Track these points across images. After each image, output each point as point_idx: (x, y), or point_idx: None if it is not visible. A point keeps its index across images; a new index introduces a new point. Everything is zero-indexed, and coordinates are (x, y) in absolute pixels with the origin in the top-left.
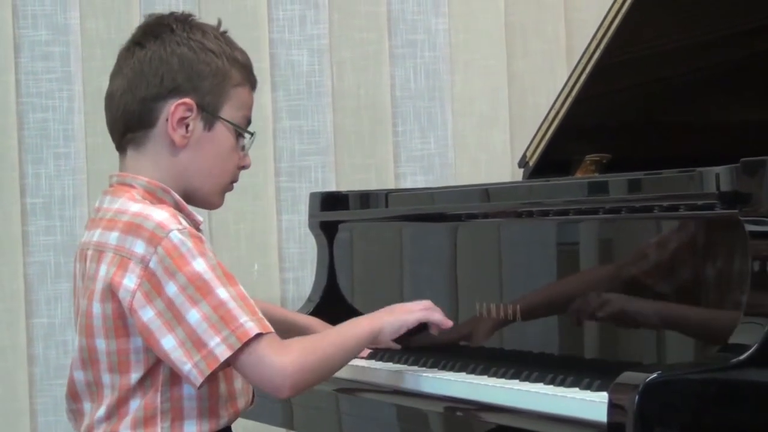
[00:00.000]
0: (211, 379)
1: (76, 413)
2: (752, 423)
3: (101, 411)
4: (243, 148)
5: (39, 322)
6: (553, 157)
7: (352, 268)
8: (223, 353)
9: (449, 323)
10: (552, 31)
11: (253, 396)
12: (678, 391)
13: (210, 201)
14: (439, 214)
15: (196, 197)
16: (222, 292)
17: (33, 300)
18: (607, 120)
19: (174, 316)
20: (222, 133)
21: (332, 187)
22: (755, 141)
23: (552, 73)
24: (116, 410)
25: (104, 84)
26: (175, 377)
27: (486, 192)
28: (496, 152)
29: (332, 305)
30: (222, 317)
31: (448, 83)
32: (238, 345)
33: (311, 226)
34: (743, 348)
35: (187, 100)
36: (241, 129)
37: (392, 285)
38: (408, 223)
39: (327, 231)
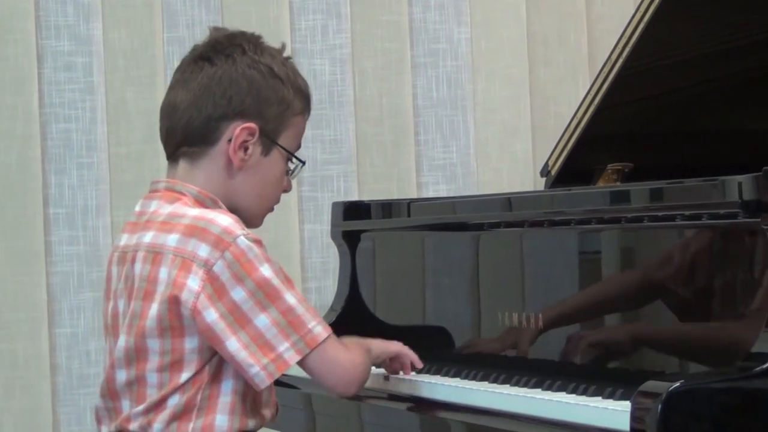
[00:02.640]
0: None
1: (111, 411)
2: None
3: (141, 406)
4: (289, 173)
5: (62, 332)
6: (575, 166)
7: (374, 278)
8: (293, 357)
9: (420, 364)
10: (574, 40)
11: (277, 409)
12: (701, 400)
13: (252, 222)
14: (461, 223)
15: (240, 216)
16: (290, 297)
17: (56, 310)
18: (629, 129)
19: (236, 320)
20: (277, 159)
21: (354, 197)
22: None
23: (574, 82)
24: (155, 406)
25: (127, 94)
26: (215, 376)
27: (508, 201)
28: (518, 161)
29: (355, 315)
30: (290, 322)
31: (470, 92)
32: (307, 350)
33: (333, 236)
34: (766, 357)
35: (251, 124)
36: (296, 158)
37: (414, 294)
38: (430, 233)
39: (349, 240)
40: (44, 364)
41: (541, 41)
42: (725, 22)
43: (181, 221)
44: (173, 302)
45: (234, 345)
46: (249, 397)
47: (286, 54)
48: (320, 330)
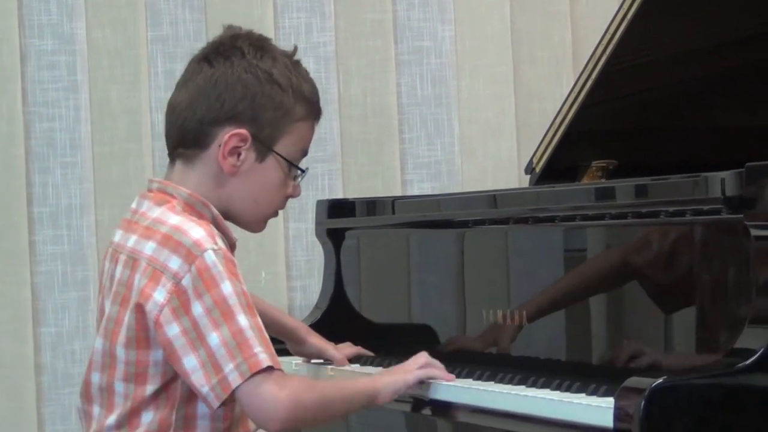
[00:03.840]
0: (229, 401)
1: (86, 414)
2: (758, 427)
3: (112, 419)
4: (295, 178)
5: (47, 331)
6: (560, 164)
7: (359, 276)
8: (235, 380)
9: (450, 377)
10: (558, 38)
11: None
12: (684, 396)
13: (251, 227)
14: (446, 220)
15: (236, 221)
16: (242, 319)
17: (40, 309)
18: (613, 126)
19: (197, 336)
20: (272, 166)
21: (339, 195)
22: (761, 146)
23: (558, 79)
24: (127, 420)
25: (110, 93)
26: (191, 395)
27: (493, 198)
28: (502, 159)
29: (339, 313)
30: (239, 344)
31: (455, 90)
32: (249, 374)
33: (318, 234)
34: (749, 353)
35: (242, 131)
36: (293, 165)
37: (399, 292)
38: (415, 230)
39: (334, 238)
40: (29, 363)
41: (526, 39)
42: (708, 19)
43: (160, 229)
44: (140, 312)
45: (191, 363)
46: (234, 414)
47: (296, 58)
48: (265, 357)
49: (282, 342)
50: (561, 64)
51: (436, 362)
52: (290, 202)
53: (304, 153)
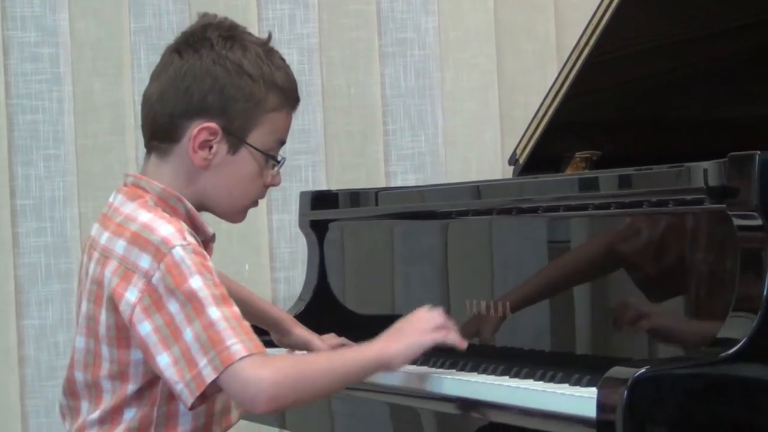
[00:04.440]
0: (206, 397)
1: (72, 410)
2: (741, 417)
3: (95, 414)
4: (273, 168)
5: (30, 323)
6: (543, 155)
7: (342, 267)
8: (209, 375)
9: (464, 344)
10: (542, 29)
11: None
12: (667, 385)
13: (229, 219)
14: (430, 211)
15: (214, 212)
16: (213, 312)
17: (24, 302)
18: (597, 117)
19: (171, 333)
20: (246, 158)
21: (323, 186)
22: (744, 136)
23: (542, 71)
24: (110, 416)
25: (94, 85)
26: (172, 393)
27: (477, 189)
28: (486, 150)
29: (323, 304)
30: (210, 338)
31: (438, 81)
32: (222, 368)
33: (302, 226)
34: (732, 342)
35: (211, 124)
36: (268, 155)
37: (383, 283)
38: (398, 222)
39: (317, 230)
40: (12, 356)
41: (509, 30)
42: (691, 10)
43: (130, 227)
44: (117, 311)
45: (164, 360)
46: (215, 410)
47: (270, 46)
48: (238, 348)
49: (267, 333)
50: (544, 56)
51: (450, 323)
52: (274, 193)
53: (282, 142)
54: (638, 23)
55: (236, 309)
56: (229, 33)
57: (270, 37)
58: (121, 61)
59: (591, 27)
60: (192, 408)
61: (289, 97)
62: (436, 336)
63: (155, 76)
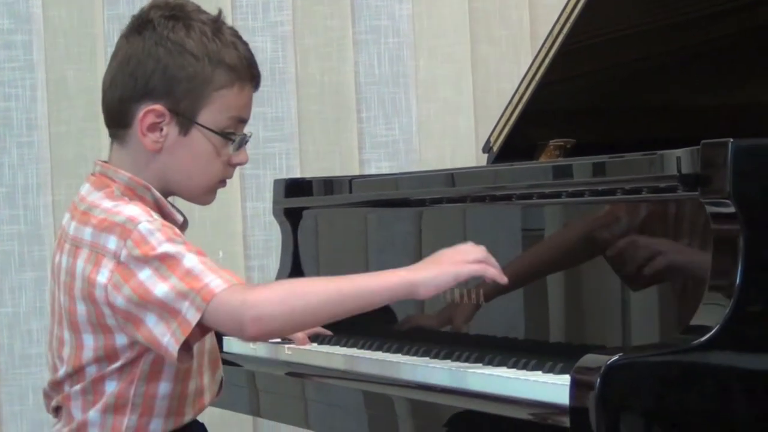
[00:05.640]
0: (185, 377)
1: (56, 392)
2: (714, 404)
3: (78, 386)
4: (235, 147)
5: (3, 311)
6: (517, 143)
7: (317, 255)
8: (194, 316)
9: (505, 279)
10: (516, 17)
11: (220, 388)
12: (640, 373)
13: (195, 200)
14: (404, 199)
15: (181, 196)
16: (188, 260)
17: None
18: (570, 105)
19: (139, 296)
20: (198, 138)
21: (296, 174)
22: (717, 123)
23: (516, 58)
24: (92, 386)
25: (67, 72)
26: (151, 375)
27: (451, 177)
28: (460, 138)
29: None
30: (188, 283)
31: (413, 69)
32: (204, 305)
33: (275, 213)
34: (705, 329)
35: (157, 106)
36: (221, 134)
37: (357, 271)
38: (372, 209)
39: (291, 218)
40: None
41: (483, 18)
42: None
43: (96, 213)
44: (93, 300)
45: (151, 320)
46: (188, 392)
47: (219, 23)
48: (218, 283)
49: None
50: (518, 43)
51: (492, 260)
52: (247, 180)
53: (240, 120)
54: (612, 11)
55: (210, 260)
56: (172, 13)
57: (220, 13)
58: (95, 48)
59: (565, 15)
60: (181, 361)
61: (240, 73)
62: (475, 268)
63: (109, 63)
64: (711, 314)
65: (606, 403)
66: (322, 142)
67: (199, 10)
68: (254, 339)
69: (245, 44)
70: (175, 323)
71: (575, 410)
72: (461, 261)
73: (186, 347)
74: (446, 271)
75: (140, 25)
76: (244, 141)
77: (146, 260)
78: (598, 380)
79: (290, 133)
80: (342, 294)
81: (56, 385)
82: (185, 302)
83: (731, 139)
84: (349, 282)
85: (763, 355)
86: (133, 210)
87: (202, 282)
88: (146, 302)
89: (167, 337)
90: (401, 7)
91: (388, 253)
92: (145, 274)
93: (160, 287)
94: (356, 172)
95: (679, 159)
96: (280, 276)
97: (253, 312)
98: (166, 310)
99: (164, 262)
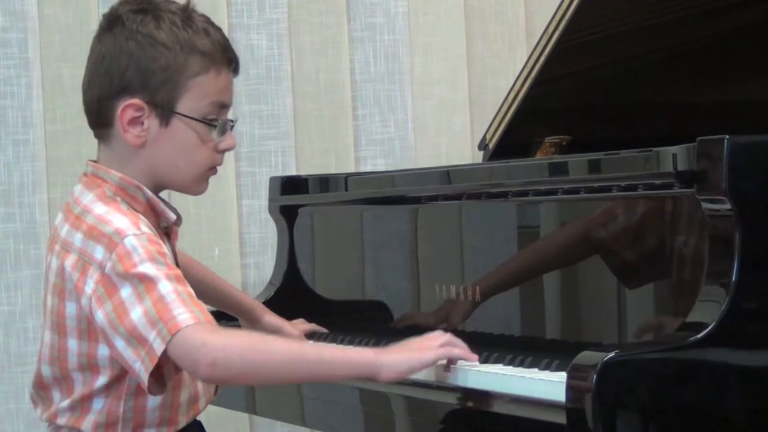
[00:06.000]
0: (164, 377)
1: (43, 399)
2: (710, 400)
3: (66, 402)
4: (219, 133)
5: None
6: (513, 140)
7: (312, 252)
8: (160, 346)
9: (475, 357)
10: (511, 14)
11: (216, 391)
12: (636, 370)
13: (188, 191)
14: (400, 196)
15: (173, 188)
16: (163, 286)
17: None
18: (566, 102)
19: (118, 316)
20: (180, 127)
21: (292, 172)
22: (713, 120)
23: (512, 55)
24: (80, 404)
25: (63, 70)
26: (140, 389)
27: (446, 174)
28: (456, 135)
29: (293, 289)
30: (158, 311)
31: (408, 66)
32: (169, 336)
33: (271, 211)
34: (701, 326)
35: (134, 100)
36: (203, 121)
37: (353, 268)
38: (368, 207)
39: (287, 215)
40: None
41: (478, 15)
42: None
43: (87, 219)
44: (81, 306)
45: (120, 344)
46: (180, 401)
47: (189, 11)
48: (186, 317)
49: (236, 319)
50: (514, 40)
51: (459, 341)
52: (243, 178)
53: (221, 105)
54: (607, 8)
55: (190, 289)
56: (140, 6)
57: (189, 2)
58: (90, 46)
59: (560, 12)
60: (152, 392)
61: (214, 58)
62: (441, 352)
63: (86, 65)
64: (707, 311)
65: (602, 400)
66: (318, 139)
67: (167, 1)
68: (207, 382)
69: (218, 29)
70: (143, 351)
71: (572, 408)
72: (427, 347)
73: (158, 376)
74: (411, 357)
75: (110, 22)
76: (227, 126)
77: (126, 277)
78: (595, 377)
79: (286, 130)
80: (304, 359)
81: (43, 389)
82: (153, 332)
83: (727, 136)
84: (315, 349)
85: (759, 352)
86: (122, 222)
87: (171, 313)
88: (120, 324)
89: (138, 364)
90: (396, 4)
91: (384, 250)
92: (126, 292)
93: (136, 311)
94: (352, 170)
95: (675, 156)
96: (276, 274)
97: (211, 357)
98: (134, 336)
99: (142, 281)
